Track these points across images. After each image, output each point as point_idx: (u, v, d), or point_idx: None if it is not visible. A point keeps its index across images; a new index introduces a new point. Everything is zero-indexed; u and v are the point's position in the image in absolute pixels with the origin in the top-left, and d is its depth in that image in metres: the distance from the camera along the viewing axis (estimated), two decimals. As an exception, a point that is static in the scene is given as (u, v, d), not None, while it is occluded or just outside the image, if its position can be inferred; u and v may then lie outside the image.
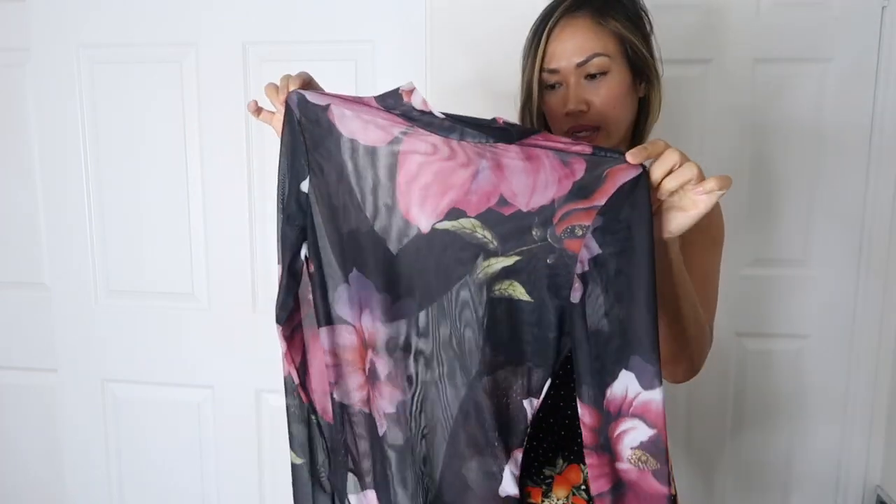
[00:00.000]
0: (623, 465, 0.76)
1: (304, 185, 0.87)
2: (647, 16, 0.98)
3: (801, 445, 1.57)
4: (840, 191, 1.47)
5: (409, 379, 0.86)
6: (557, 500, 0.93)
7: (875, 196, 1.46)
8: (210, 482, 1.69)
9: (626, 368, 0.74)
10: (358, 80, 1.49)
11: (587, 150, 0.75)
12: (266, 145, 1.52)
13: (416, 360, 0.86)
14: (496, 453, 0.82)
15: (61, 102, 1.58)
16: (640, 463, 0.75)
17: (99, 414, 1.69)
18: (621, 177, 0.72)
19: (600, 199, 0.73)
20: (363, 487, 0.91)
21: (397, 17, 1.46)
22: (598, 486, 0.77)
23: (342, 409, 0.90)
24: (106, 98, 1.57)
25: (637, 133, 1.02)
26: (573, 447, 0.93)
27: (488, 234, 0.79)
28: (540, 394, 0.81)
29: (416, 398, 0.86)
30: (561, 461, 0.94)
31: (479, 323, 0.81)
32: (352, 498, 0.92)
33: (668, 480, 0.76)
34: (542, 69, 0.95)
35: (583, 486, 0.93)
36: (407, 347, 0.86)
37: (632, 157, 0.71)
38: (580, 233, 0.74)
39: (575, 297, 0.75)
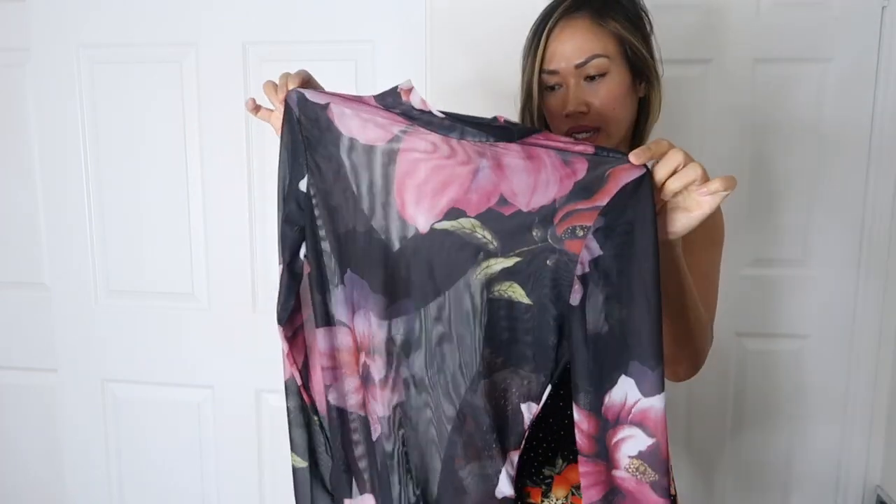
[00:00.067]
0: (620, 473, 0.74)
1: (303, 185, 0.86)
2: (647, 16, 0.98)
3: (801, 445, 1.57)
4: (840, 191, 1.47)
5: (406, 382, 0.85)
6: (557, 499, 0.93)
7: (875, 196, 1.46)
8: (210, 482, 1.69)
9: (626, 374, 0.72)
10: (358, 80, 1.49)
11: (589, 149, 0.74)
12: (266, 145, 1.52)
13: (412, 363, 0.84)
14: (493, 455, 0.81)
15: (61, 102, 1.58)
16: (637, 473, 0.74)
17: (99, 414, 1.69)
18: (624, 177, 0.71)
19: (602, 200, 0.72)
20: (360, 491, 0.90)
21: (397, 17, 1.46)
22: (591, 495, 0.76)
23: (338, 412, 0.89)
24: (106, 98, 1.57)
25: (637, 133, 1.01)
26: (573, 447, 0.92)
27: (488, 235, 0.78)
28: (539, 400, 0.79)
29: (411, 401, 0.85)
30: (560, 461, 0.93)
31: (478, 325, 0.80)
32: (348, 502, 0.91)
33: (668, 493, 0.74)
34: (541, 70, 0.95)
35: (583, 487, 0.93)
36: (403, 349, 0.84)
37: (635, 157, 0.70)
38: (581, 233, 0.73)
39: (574, 299, 0.74)
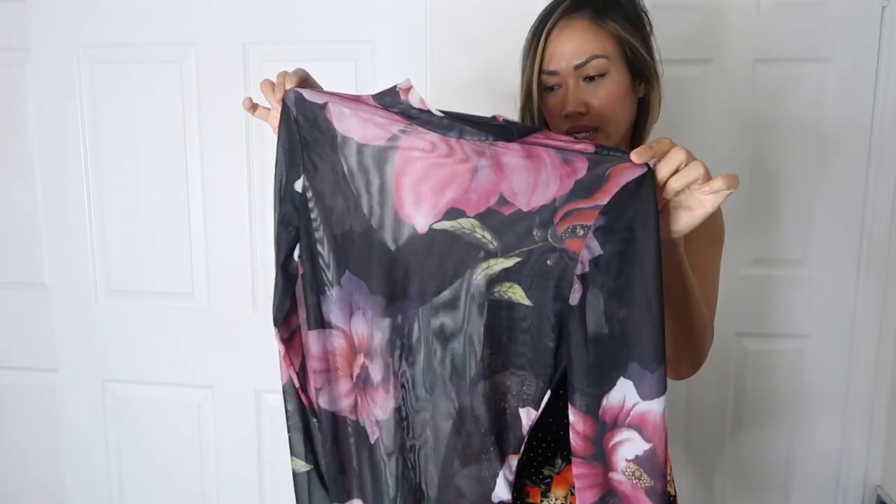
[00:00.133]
0: (617, 476, 0.74)
1: (299, 185, 0.85)
2: (646, 17, 0.98)
3: (800, 445, 1.56)
4: (840, 191, 1.47)
5: (404, 384, 0.84)
6: (556, 499, 0.93)
7: (875, 196, 1.46)
8: (210, 482, 1.68)
9: (625, 376, 0.71)
10: (358, 80, 1.49)
11: (589, 148, 0.73)
12: (266, 145, 1.52)
13: (411, 365, 0.84)
14: (490, 458, 0.81)
15: (61, 102, 1.58)
16: (633, 478, 0.73)
17: (99, 414, 1.69)
18: (625, 175, 0.71)
19: (603, 199, 0.71)
20: (349, 496, 0.90)
21: (397, 17, 1.46)
22: (587, 497, 0.75)
23: (329, 416, 0.88)
24: (106, 98, 1.57)
25: (637, 134, 1.01)
26: (572, 447, 0.92)
27: (488, 235, 0.78)
28: (539, 406, 0.78)
29: (410, 403, 0.84)
30: (560, 461, 0.93)
31: (478, 326, 0.79)
32: None
33: (663, 498, 0.73)
34: (540, 71, 0.95)
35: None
36: (402, 351, 0.84)
37: (637, 156, 0.70)
38: (581, 232, 0.73)
39: (574, 298, 0.73)
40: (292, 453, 0.93)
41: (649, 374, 0.70)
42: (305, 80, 0.88)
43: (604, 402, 0.73)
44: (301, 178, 0.85)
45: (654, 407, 0.70)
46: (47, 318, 1.69)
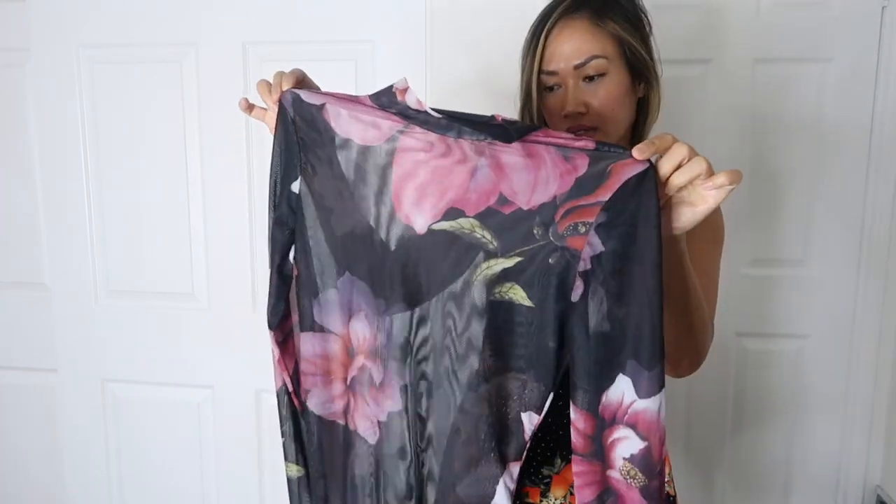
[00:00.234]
0: (615, 474, 0.74)
1: (295, 186, 0.85)
2: (646, 17, 0.98)
3: (800, 446, 1.56)
4: (840, 191, 1.47)
5: (404, 387, 0.84)
6: (555, 499, 0.93)
7: (875, 196, 1.46)
8: (210, 482, 1.68)
9: (623, 373, 0.71)
10: (358, 80, 1.49)
11: (590, 145, 0.73)
12: (266, 145, 1.49)
13: (410, 367, 0.83)
14: (491, 464, 0.80)
15: (61, 102, 1.58)
16: (628, 477, 0.73)
17: (99, 414, 1.69)
18: (626, 172, 0.70)
19: (604, 195, 0.71)
20: (327, 502, 0.89)
21: (397, 17, 1.46)
22: (585, 494, 0.75)
23: (316, 419, 0.88)
24: (106, 98, 1.57)
25: (636, 134, 1.01)
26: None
27: (488, 234, 0.77)
28: (541, 411, 0.78)
29: (410, 406, 0.84)
30: (559, 461, 0.93)
31: (478, 328, 0.78)
32: None
33: (658, 495, 0.73)
34: (540, 71, 0.95)
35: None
36: (402, 353, 0.83)
37: (639, 152, 0.69)
38: (583, 229, 0.72)
39: (576, 295, 0.73)
40: (286, 459, 0.92)
41: (647, 371, 0.70)
42: (302, 81, 0.87)
43: (603, 398, 0.72)
44: (298, 180, 0.85)
45: (651, 406, 0.70)
46: (47, 318, 1.69)
